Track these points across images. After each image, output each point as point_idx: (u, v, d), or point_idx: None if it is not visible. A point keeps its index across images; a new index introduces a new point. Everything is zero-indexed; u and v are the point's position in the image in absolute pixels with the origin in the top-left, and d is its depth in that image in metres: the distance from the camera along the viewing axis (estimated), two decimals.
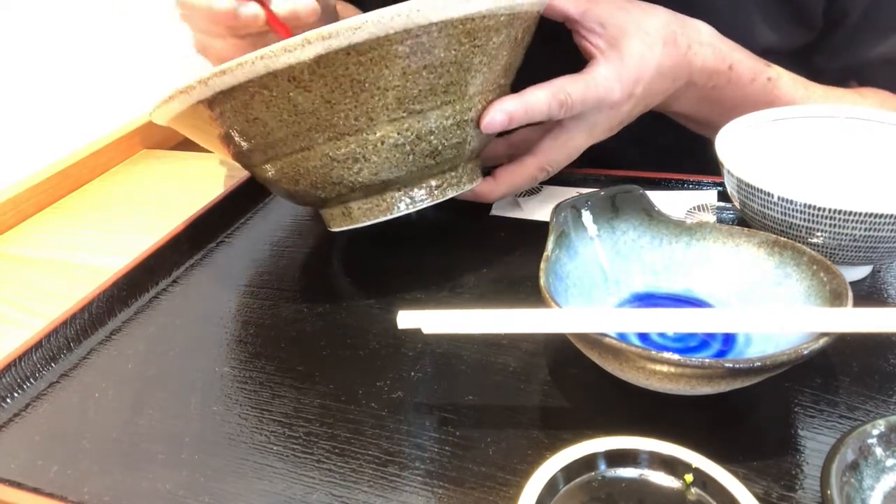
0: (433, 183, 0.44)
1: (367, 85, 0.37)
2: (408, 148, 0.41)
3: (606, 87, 0.45)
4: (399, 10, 0.35)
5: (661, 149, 0.57)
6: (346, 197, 0.43)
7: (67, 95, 0.71)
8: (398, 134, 0.40)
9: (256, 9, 0.42)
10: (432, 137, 0.41)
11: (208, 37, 0.45)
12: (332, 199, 0.44)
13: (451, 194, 0.45)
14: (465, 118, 0.42)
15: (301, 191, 0.43)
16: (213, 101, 0.38)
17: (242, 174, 0.60)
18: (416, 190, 0.44)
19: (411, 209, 0.44)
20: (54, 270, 0.55)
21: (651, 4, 0.48)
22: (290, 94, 0.37)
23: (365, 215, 0.44)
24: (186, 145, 0.77)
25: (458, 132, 0.42)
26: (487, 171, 0.50)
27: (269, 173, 0.43)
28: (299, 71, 0.36)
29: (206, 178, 0.68)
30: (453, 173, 0.45)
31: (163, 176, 0.71)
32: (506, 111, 0.43)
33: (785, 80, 0.52)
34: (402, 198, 0.44)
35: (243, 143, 0.41)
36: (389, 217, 0.44)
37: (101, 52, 0.75)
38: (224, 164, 0.70)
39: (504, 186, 0.49)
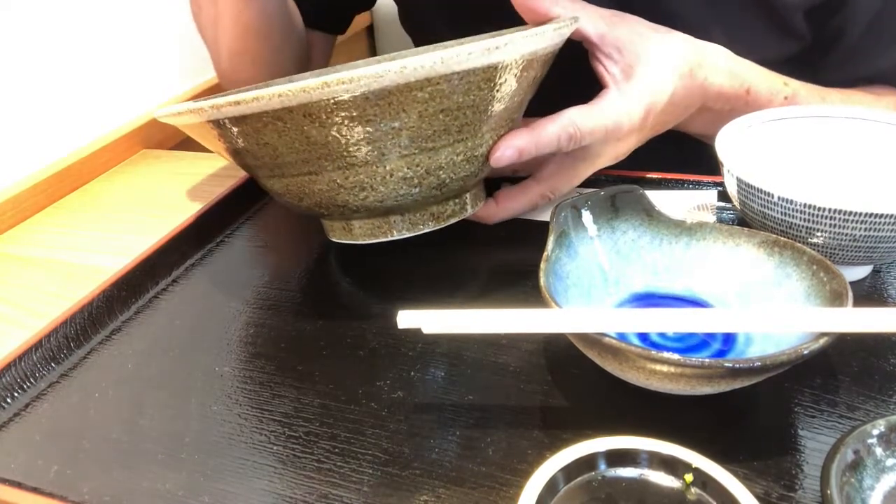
0: (436, 210, 0.45)
1: (382, 125, 0.37)
2: (416, 181, 0.41)
3: (616, 121, 0.45)
4: (423, 63, 0.35)
5: (656, 141, 0.57)
6: (348, 215, 0.44)
7: (67, 95, 0.71)
8: (408, 168, 0.40)
9: None
10: (441, 172, 0.41)
11: None
12: (334, 215, 0.44)
13: (452, 221, 0.46)
14: (476, 153, 0.42)
15: (304, 207, 0.43)
16: (222, 123, 0.38)
17: (242, 174, 0.60)
18: (418, 215, 0.44)
19: (412, 234, 0.45)
20: (54, 270, 0.55)
21: (669, 31, 0.48)
22: (304, 127, 0.37)
23: (365, 235, 0.45)
24: (186, 145, 0.77)
25: (468, 167, 0.42)
26: (489, 188, 0.50)
27: (274, 187, 0.43)
28: (316, 109, 0.36)
29: (206, 178, 0.68)
30: (457, 200, 0.45)
31: (163, 176, 0.71)
32: (516, 147, 0.43)
33: (802, 95, 0.52)
34: (404, 222, 0.44)
35: (250, 161, 0.41)
36: (389, 239, 0.45)
37: (101, 51, 0.75)
38: (224, 164, 0.70)
39: (505, 211, 0.49)
